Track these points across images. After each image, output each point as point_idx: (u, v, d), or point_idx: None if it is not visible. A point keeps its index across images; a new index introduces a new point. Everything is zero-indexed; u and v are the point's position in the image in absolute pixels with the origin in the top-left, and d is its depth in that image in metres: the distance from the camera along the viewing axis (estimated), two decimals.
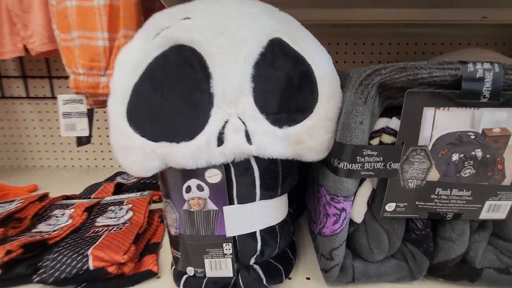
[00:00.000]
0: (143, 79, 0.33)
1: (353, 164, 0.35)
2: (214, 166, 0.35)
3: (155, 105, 0.33)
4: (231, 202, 0.37)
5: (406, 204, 0.37)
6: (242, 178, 0.36)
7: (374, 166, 0.35)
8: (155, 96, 0.33)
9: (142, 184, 0.73)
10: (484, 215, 0.37)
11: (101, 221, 0.53)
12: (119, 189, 0.74)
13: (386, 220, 0.39)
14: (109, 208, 0.57)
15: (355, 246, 0.41)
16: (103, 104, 0.76)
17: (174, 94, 0.33)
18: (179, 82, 0.33)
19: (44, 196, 0.64)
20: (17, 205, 0.56)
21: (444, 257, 0.39)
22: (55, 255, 0.41)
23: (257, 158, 0.36)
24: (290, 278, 0.42)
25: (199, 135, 0.33)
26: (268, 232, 0.39)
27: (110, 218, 0.54)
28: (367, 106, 0.34)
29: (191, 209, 0.37)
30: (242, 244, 0.37)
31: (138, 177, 0.85)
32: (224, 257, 0.38)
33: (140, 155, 0.33)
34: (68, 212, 0.57)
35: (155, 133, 0.33)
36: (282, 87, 0.35)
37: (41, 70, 0.95)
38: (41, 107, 0.98)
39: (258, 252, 0.38)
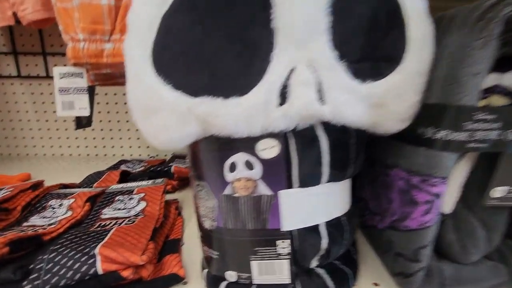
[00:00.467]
0: (175, 8, 0.23)
1: (459, 133, 0.26)
2: (270, 135, 0.26)
3: (192, 45, 0.23)
4: (289, 185, 0.27)
5: None
6: (306, 153, 0.27)
7: (487, 135, 0.26)
8: (193, 32, 0.23)
9: (152, 172, 0.63)
10: None
11: (108, 212, 0.44)
12: (125, 178, 0.64)
13: (485, 211, 0.30)
14: (117, 198, 0.48)
15: (441, 244, 0.32)
16: (106, 79, 0.66)
17: (220, 29, 0.23)
18: (227, 12, 0.23)
19: (38, 184, 0.54)
20: (5, 193, 0.46)
21: None
22: (52, 255, 0.31)
23: (325, 126, 0.27)
24: (355, 285, 0.33)
25: (255, 88, 0.23)
26: (334, 226, 0.29)
27: (119, 209, 0.45)
28: (487, 51, 0.24)
29: (236, 195, 0.27)
30: (302, 241, 0.28)
31: (146, 164, 0.75)
32: (278, 258, 0.28)
33: (172, 117, 0.24)
34: (66, 202, 0.47)
35: (193, 85, 0.23)
36: (366, 25, 0.25)
37: (34, 46, 0.84)
38: (35, 87, 0.88)
39: (323, 252, 0.29)
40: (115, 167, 0.74)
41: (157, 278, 0.33)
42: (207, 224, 0.30)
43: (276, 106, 0.24)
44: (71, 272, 0.30)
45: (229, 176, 0.27)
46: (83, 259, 0.30)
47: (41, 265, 0.31)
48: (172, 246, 0.39)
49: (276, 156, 0.26)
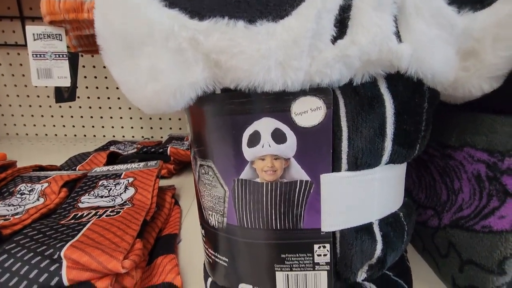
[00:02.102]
0: None
1: None
2: (313, 91, 0.17)
3: None
4: (336, 167, 0.19)
5: None
6: (362, 120, 0.18)
7: None
8: None
9: (144, 154, 0.55)
10: None
11: (87, 200, 0.35)
12: (114, 160, 0.56)
13: None
14: (100, 183, 0.39)
15: None
16: (90, 45, 0.56)
17: None
18: None
19: (8, 166, 0.45)
20: None
21: None
22: (2, 257, 0.23)
23: (391, 81, 0.18)
24: None
25: (298, 8, 0.14)
26: (390, 224, 0.21)
27: (101, 197, 0.36)
28: None
29: (258, 180, 0.19)
30: (349, 246, 0.20)
31: (139, 146, 0.66)
32: (314, 269, 0.20)
33: (165, 54, 0.15)
34: (39, 187, 0.39)
35: (198, 1, 0.14)
36: None
37: (10, 8, 0.74)
38: (13, 57, 0.77)
39: (375, 260, 0.21)
40: (104, 148, 0.65)
41: None
42: (214, 220, 0.22)
43: (330, 40, 0.15)
44: (25, 283, 0.21)
45: (248, 152, 0.18)
46: (43, 264, 0.22)
47: None
48: (167, 244, 0.31)
49: (319, 123, 0.18)
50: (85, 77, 0.78)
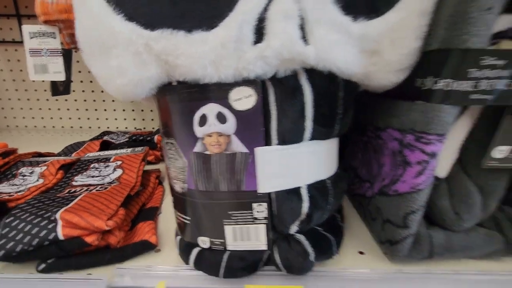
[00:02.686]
0: None
1: (462, 82, 0.23)
2: (245, 82, 0.22)
3: None
4: (267, 142, 0.24)
5: None
6: (287, 105, 0.23)
7: (493, 85, 0.23)
8: None
9: (133, 142, 0.60)
10: None
11: (80, 180, 0.41)
12: (106, 148, 0.61)
13: (483, 174, 0.27)
14: (92, 166, 0.45)
15: (433, 210, 0.30)
16: None
17: None
18: None
19: (10, 152, 0.50)
20: None
21: None
22: (9, 219, 0.29)
23: (310, 73, 0.23)
24: (337, 254, 0.31)
25: (225, 19, 0.20)
26: (317, 189, 0.27)
27: (93, 177, 0.42)
28: None
29: (207, 152, 0.24)
30: (281, 205, 0.26)
31: (131, 135, 0.71)
32: (253, 223, 0.26)
33: (127, 56, 0.20)
34: (38, 170, 0.44)
35: (151, 14, 0.19)
36: None
37: (7, 7, 0.78)
38: (11, 54, 0.82)
39: (303, 217, 0.26)
40: (98, 138, 0.70)
41: (127, 245, 0.30)
42: (178, 187, 0.27)
43: (251, 44, 0.20)
44: (28, 237, 0.27)
45: (199, 130, 0.24)
46: (42, 223, 0.28)
47: None
48: (148, 214, 0.37)
49: (252, 107, 0.23)
50: (80, 71, 0.83)
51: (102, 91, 0.85)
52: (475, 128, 0.27)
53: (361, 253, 0.31)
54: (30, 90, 0.85)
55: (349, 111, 0.27)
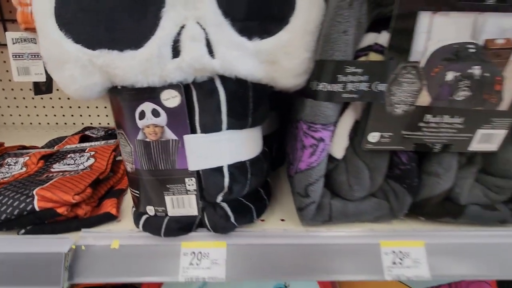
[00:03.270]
0: None
1: (334, 85, 0.30)
2: (171, 86, 0.29)
3: (89, 4, 0.26)
4: (193, 131, 0.32)
5: (391, 134, 0.33)
6: (206, 103, 0.31)
7: (357, 87, 0.30)
8: None
9: (109, 135, 0.67)
10: (475, 146, 0.34)
11: (57, 167, 0.48)
12: (86, 142, 0.68)
13: (368, 154, 0.35)
14: (69, 156, 0.52)
15: (334, 184, 0.38)
16: None
17: None
18: None
19: None
20: None
21: (428, 193, 0.36)
22: None
23: (223, 79, 0.31)
24: (263, 220, 0.39)
25: (148, 41, 0.27)
26: (237, 168, 0.34)
27: (68, 164, 0.49)
28: (353, 11, 0.28)
29: (147, 139, 0.32)
30: (207, 180, 0.33)
31: (107, 129, 0.78)
32: (187, 194, 0.33)
33: (77, 68, 0.27)
34: (22, 160, 0.51)
35: (92, 38, 0.27)
36: None
37: None
38: None
39: (225, 189, 0.34)
40: (79, 132, 0.77)
41: (92, 216, 0.38)
42: (129, 167, 0.35)
43: (170, 59, 0.28)
44: (10, 209, 0.34)
45: (139, 123, 0.31)
46: (21, 198, 0.35)
47: None
48: (114, 193, 0.44)
49: (178, 104, 0.30)
50: None
51: None
52: (361, 119, 0.35)
53: (282, 220, 0.39)
54: (16, 90, 0.91)
55: (260, 107, 0.34)
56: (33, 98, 0.92)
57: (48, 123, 0.95)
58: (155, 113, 0.31)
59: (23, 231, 0.35)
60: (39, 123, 0.95)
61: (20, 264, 0.32)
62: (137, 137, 0.32)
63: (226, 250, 0.34)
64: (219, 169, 0.33)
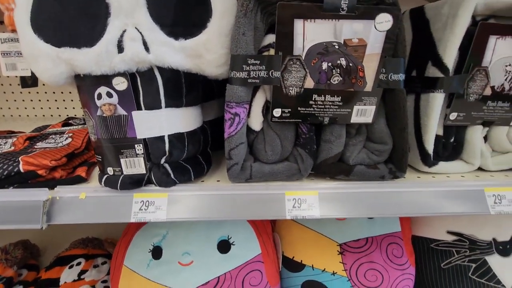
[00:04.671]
0: None
1: (241, 73, 0.41)
2: (119, 74, 0.40)
3: (55, 13, 0.37)
4: (139, 108, 0.42)
5: (290, 110, 0.44)
6: (147, 87, 0.42)
7: (258, 74, 0.41)
8: (55, 5, 0.36)
9: None
10: (354, 119, 0.45)
11: (40, 145, 0.58)
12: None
13: (278, 126, 0.46)
14: (50, 136, 0.62)
15: (255, 151, 0.49)
16: None
17: (72, 3, 0.37)
18: None
19: None
20: None
21: (324, 156, 0.48)
22: None
23: (160, 69, 0.41)
24: (203, 181, 0.50)
25: (98, 42, 0.37)
26: (176, 137, 0.45)
27: (50, 143, 0.59)
28: (248, 18, 0.39)
29: (104, 115, 0.42)
30: (152, 146, 0.44)
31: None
32: (137, 157, 0.44)
33: (48, 61, 0.38)
34: (10, 140, 0.61)
35: (58, 39, 0.37)
36: (176, 2, 0.39)
37: None
38: None
39: (167, 153, 0.45)
40: (62, 121, 0.87)
41: (66, 178, 0.48)
42: (92, 138, 0.45)
43: (116, 54, 0.38)
44: (0, 170, 0.45)
45: (98, 102, 0.42)
46: (9, 163, 0.45)
47: None
48: (86, 163, 0.55)
49: (126, 88, 0.41)
50: None
51: None
52: (270, 99, 0.45)
53: (218, 181, 0.50)
54: (5, 84, 1.00)
55: (194, 91, 0.45)
56: (21, 93, 1.02)
57: (36, 115, 1.05)
58: (109, 95, 0.41)
59: (11, 188, 0.45)
60: (27, 115, 1.04)
61: (8, 210, 0.42)
62: (97, 113, 0.42)
63: (167, 199, 0.44)
64: (161, 138, 0.44)
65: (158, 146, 0.44)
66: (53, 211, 0.43)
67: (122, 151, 0.44)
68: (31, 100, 1.03)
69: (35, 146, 0.57)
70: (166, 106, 0.43)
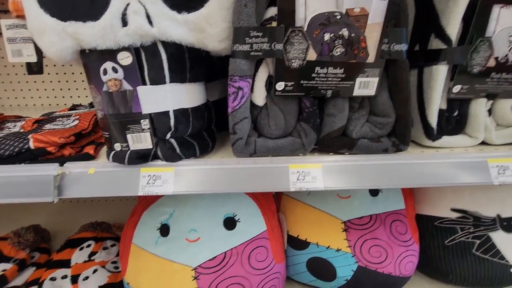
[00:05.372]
0: None
1: (244, 46, 0.42)
2: (124, 49, 0.41)
3: None
4: (144, 83, 0.43)
5: (292, 83, 0.45)
6: (152, 61, 0.42)
7: (261, 47, 0.42)
8: None
9: (93, 107, 0.78)
10: (357, 91, 0.46)
11: (48, 126, 0.59)
12: None
13: (281, 101, 0.47)
14: (57, 119, 0.63)
15: (259, 126, 0.49)
16: None
17: None
18: None
19: None
20: None
21: (328, 130, 0.48)
22: (1, 139, 0.47)
23: (163, 43, 0.42)
24: (204, 155, 0.51)
25: (103, 15, 0.38)
26: (181, 112, 0.46)
27: (57, 125, 0.60)
28: None
29: (110, 90, 0.43)
30: (157, 121, 0.45)
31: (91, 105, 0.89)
32: (143, 132, 0.45)
33: (53, 35, 0.39)
34: (19, 123, 0.63)
35: (63, 13, 0.38)
36: None
37: None
38: None
39: (172, 128, 0.46)
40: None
41: (74, 155, 0.49)
42: (99, 114, 0.46)
43: (120, 27, 0.39)
44: (12, 148, 0.46)
45: (104, 78, 0.42)
46: (20, 140, 0.47)
47: None
48: (94, 143, 0.56)
49: (131, 63, 0.42)
50: None
51: (73, 73, 1.02)
52: (273, 73, 0.46)
53: (222, 157, 0.51)
54: (11, 74, 1.02)
55: (197, 67, 0.46)
56: (27, 82, 1.03)
57: (42, 104, 1.06)
58: (115, 70, 0.42)
59: (22, 164, 0.47)
60: (34, 105, 1.06)
61: (21, 184, 0.43)
62: (103, 89, 0.43)
63: (174, 173, 0.45)
64: (166, 113, 0.45)
65: (163, 121, 0.45)
66: (63, 185, 0.44)
67: (128, 126, 0.45)
68: (37, 90, 1.04)
69: (43, 128, 0.58)
70: (171, 81, 0.44)
